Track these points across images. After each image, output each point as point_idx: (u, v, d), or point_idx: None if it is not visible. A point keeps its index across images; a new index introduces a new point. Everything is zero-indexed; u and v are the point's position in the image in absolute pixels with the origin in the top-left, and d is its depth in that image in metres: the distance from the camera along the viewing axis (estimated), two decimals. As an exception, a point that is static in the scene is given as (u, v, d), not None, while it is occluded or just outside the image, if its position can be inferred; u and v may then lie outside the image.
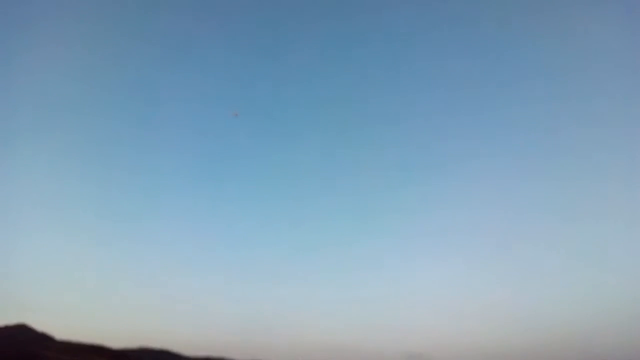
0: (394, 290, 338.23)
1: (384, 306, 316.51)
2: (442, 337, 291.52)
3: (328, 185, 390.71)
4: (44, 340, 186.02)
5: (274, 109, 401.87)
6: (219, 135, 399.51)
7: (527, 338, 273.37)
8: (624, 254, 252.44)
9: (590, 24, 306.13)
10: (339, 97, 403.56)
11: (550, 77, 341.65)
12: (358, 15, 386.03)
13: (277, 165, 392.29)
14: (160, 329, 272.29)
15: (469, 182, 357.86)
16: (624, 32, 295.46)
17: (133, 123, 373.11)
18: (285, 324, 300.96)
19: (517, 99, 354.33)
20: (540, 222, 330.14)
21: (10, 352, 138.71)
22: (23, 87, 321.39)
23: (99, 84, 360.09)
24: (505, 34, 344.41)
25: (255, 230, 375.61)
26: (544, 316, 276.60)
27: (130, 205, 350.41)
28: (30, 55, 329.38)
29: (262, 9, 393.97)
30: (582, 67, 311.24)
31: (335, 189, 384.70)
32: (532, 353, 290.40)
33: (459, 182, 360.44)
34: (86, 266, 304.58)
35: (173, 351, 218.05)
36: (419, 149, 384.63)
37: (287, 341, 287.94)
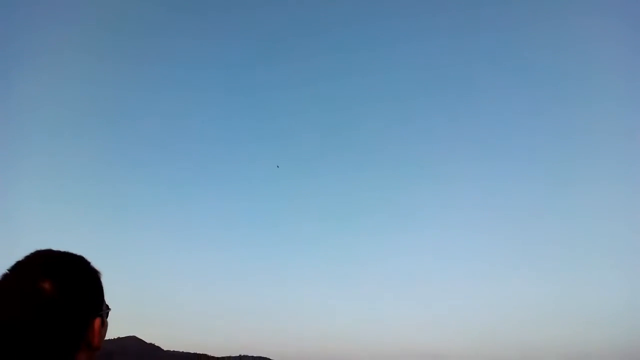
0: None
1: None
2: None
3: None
4: (153, 350, 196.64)
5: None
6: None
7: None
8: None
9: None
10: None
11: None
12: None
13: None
14: (257, 336, 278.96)
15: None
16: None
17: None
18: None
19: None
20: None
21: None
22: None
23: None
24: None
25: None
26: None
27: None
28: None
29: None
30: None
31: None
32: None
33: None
34: (181, 276, 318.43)
35: (270, 358, 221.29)
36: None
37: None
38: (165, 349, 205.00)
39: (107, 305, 1.04)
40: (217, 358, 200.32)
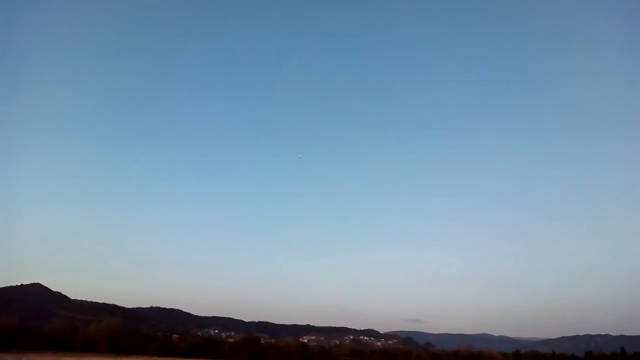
0: (398, 261, 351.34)
1: (389, 275, 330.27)
2: (437, 305, 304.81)
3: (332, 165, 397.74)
4: (59, 299, 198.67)
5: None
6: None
7: (513, 303, 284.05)
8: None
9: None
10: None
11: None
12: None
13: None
14: (171, 290, 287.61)
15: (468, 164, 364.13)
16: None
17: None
18: (294, 288, 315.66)
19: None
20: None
21: (26, 310, 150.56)
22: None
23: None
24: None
25: (264, 201, 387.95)
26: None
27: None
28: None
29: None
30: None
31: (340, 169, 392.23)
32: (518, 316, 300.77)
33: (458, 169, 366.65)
34: (97, 228, 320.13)
35: (183, 311, 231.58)
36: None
37: (294, 304, 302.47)
38: (72, 297, 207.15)
39: None
40: (128, 309, 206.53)
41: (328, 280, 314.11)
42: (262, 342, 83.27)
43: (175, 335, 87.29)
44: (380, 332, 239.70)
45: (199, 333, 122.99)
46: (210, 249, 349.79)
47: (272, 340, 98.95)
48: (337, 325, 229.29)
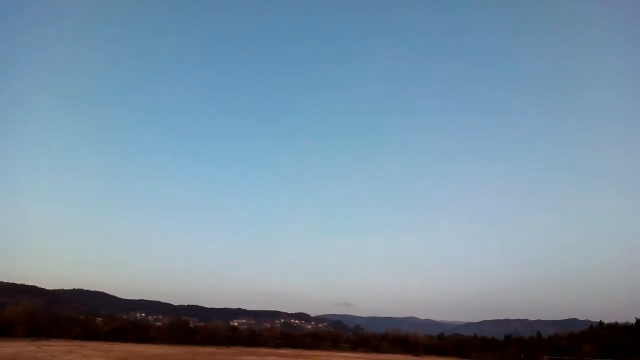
0: (330, 245, 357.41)
1: (321, 259, 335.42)
2: (367, 289, 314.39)
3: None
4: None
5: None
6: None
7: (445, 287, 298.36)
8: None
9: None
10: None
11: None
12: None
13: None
14: (96, 272, 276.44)
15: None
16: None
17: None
18: (226, 271, 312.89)
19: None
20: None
21: None
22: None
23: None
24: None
25: (204, 185, 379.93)
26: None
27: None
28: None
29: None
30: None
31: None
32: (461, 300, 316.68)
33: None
34: (14, 202, 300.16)
35: (109, 293, 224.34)
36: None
37: (226, 287, 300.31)
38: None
39: None
40: (48, 291, 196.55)
41: (261, 264, 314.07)
42: (190, 325, 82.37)
43: (99, 319, 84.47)
44: (312, 315, 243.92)
45: (124, 316, 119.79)
46: (138, 230, 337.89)
47: (202, 324, 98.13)
48: (268, 309, 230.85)
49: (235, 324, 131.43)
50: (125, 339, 64.87)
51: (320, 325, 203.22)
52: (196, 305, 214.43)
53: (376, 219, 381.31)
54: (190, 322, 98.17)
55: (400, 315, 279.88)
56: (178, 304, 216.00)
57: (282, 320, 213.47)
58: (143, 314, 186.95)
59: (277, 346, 70.87)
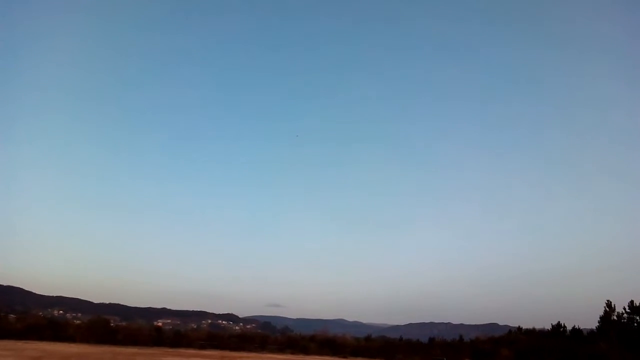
0: (260, 246, 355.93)
1: (252, 261, 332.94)
2: (297, 290, 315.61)
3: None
4: None
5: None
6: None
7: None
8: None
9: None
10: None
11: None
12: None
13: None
14: (9, 265, 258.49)
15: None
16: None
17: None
18: (151, 269, 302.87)
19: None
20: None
21: None
22: None
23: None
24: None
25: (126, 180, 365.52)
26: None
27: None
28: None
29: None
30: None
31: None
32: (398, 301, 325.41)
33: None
34: None
35: (24, 289, 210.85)
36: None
37: (150, 286, 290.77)
38: None
39: None
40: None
41: (188, 263, 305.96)
42: (112, 324, 79.43)
43: (12, 315, 79.63)
44: (240, 316, 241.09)
45: (40, 313, 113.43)
46: (56, 221, 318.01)
47: (124, 323, 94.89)
48: (195, 309, 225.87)
49: (160, 324, 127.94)
50: (40, 337, 61.70)
51: (248, 327, 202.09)
52: (118, 304, 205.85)
53: (307, 221, 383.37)
54: (112, 321, 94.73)
55: (330, 317, 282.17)
56: (99, 302, 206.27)
57: (209, 321, 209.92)
58: (61, 312, 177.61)
59: (202, 347, 70.02)
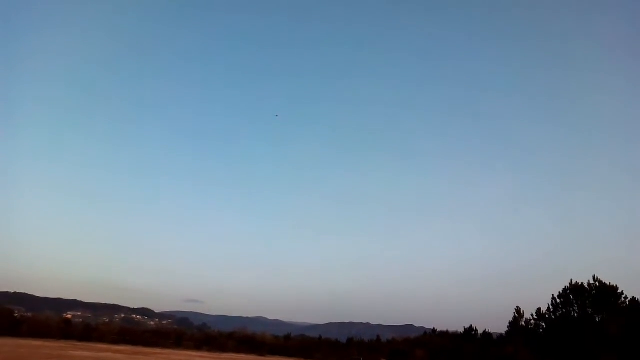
0: (178, 241, 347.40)
1: (170, 255, 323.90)
2: (216, 287, 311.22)
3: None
4: None
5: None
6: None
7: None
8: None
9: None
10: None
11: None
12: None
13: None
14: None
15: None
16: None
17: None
18: (62, 257, 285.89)
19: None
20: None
21: None
22: None
23: None
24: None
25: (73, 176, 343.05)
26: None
27: None
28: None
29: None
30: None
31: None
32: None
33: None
34: None
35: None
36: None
37: (60, 276, 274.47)
38: None
39: None
40: None
41: (103, 254, 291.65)
42: (16, 315, 74.80)
43: None
44: (156, 311, 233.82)
45: None
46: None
47: (30, 314, 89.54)
48: (108, 302, 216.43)
49: (69, 316, 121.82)
50: None
51: (164, 322, 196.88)
52: (24, 293, 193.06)
53: (229, 219, 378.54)
54: (16, 311, 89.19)
55: (250, 315, 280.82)
56: (2, 291, 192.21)
57: (123, 315, 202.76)
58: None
59: (114, 342, 67.81)
